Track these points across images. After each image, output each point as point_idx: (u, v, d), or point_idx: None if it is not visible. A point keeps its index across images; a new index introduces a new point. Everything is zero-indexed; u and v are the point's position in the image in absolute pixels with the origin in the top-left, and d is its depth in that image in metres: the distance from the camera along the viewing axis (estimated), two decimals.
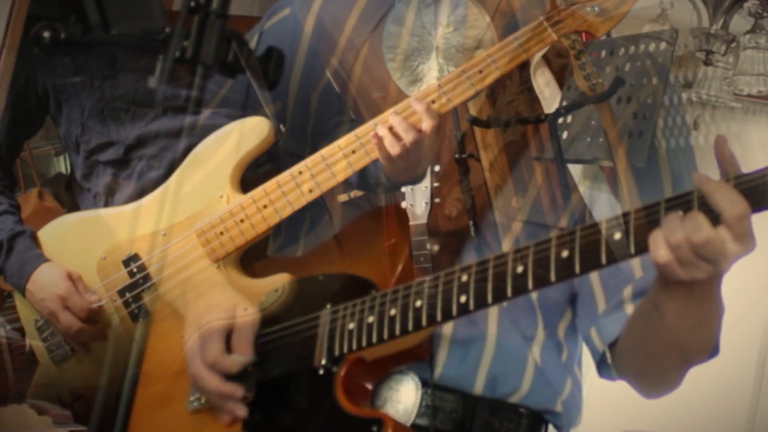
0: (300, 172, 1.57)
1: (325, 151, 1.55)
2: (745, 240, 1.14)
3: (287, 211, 1.59)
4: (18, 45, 1.45)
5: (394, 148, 1.46)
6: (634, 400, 1.55)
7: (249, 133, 1.66)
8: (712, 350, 1.40)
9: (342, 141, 1.53)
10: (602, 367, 1.55)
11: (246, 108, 1.75)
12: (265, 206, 1.60)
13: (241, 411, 1.54)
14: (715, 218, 1.14)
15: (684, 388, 1.47)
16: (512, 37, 1.42)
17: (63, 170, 3.01)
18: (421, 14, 1.59)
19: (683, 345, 1.36)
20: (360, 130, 1.52)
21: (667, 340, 1.35)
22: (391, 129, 1.47)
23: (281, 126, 1.66)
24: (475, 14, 1.54)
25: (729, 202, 1.13)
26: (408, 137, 1.45)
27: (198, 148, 1.72)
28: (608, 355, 1.53)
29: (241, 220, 1.62)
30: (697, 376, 1.44)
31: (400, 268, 1.52)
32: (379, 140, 1.48)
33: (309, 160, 1.56)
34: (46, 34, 1.26)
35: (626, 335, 1.47)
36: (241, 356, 1.53)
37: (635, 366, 1.48)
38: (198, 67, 1.18)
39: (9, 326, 2.31)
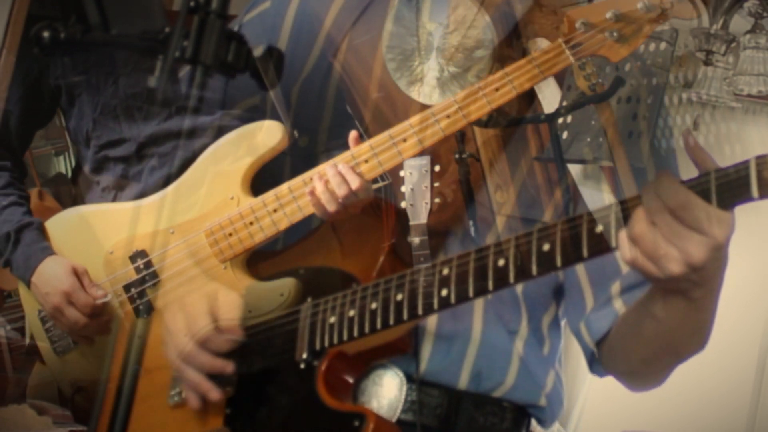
0: (312, 179, 1.57)
1: (338, 160, 1.55)
2: (702, 225, 1.11)
3: (297, 216, 1.59)
4: (18, 45, 1.45)
5: (330, 205, 1.52)
6: (634, 400, 1.55)
7: (263, 136, 1.66)
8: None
9: (355, 150, 1.53)
10: (593, 363, 1.56)
11: (257, 111, 1.75)
12: (275, 210, 1.60)
13: (216, 394, 1.53)
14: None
15: (684, 388, 1.47)
16: (530, 58, 1.43)
17: (63, 170, 3.01)
18: (421, 14, 1.59)
19: (677, 349, 1.36)
20: (374, 141, 1.52)
21: (661, 345, 1.35)
22: (327, 185, 1.52)
23: (295, 131, 1.67)
24: (476, 14, 1.54)
25: (659, 193, 1.12)
26: (341, 191, 1.51)
27: (211, 149, 1.73)
28: (595, 351, 1.54)
29: (251, 223, 1.63)
30: (697, 375, 1.44)
31: (399, 268, 1.52)
32: (315, 197, 1.53)
33: (321, 168, 1.56)
34: (46, 34, 1.26)
35: (618, 337, 1.47)
36: (231, 334, 1.53)
37: (626, 366, 1.48)
38: (206, 68, 1.18)
39: (9, 326, 2.32)
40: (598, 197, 1.56)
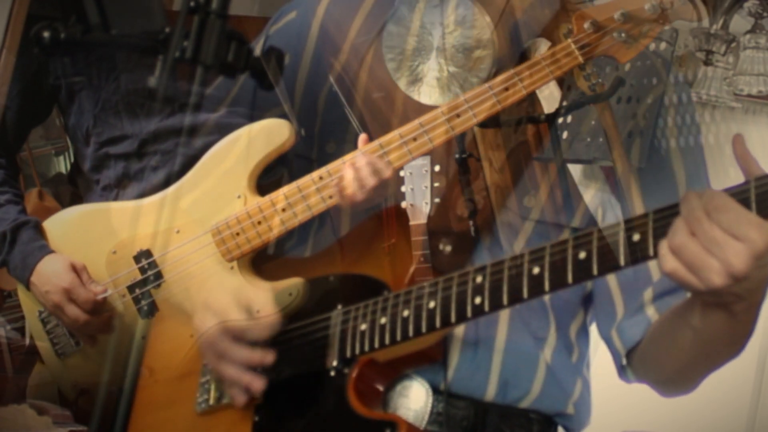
0: (321, 178, 1.56)
1: (348, 157, 1.55)
2: (740, 229, 1.10)
3: (306, 216, 1.58)
4: (18, 45, 1.45)
5: (360, 193, 1.50)
6: (634, 400, 1.55)
7: (270, 134, 1.65)
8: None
9: (365, 149, 1.53)
10: (622, 369, 1.55)
11: (263, 109, 1.75)
12: (284, 209, 1.59)
13: (259, 383, 1.50)
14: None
15: None
16: (540, 58, 1.43)
17: (63, 170, 3.01)
18: (421, 14, 1.59)
19: (714, 358, 1.36)
20: (384, 139, 1.52)
21: (697, 355, 1.35)
22: (357, 173, 1.50)
23: (302, 130, 1.66)
24: (476, 14, 1.54)
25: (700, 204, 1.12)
26: (370, 181, 1.49)
27: (216, 147, 1.71)
28: (624, 359, 1.53)
29: (259, 222, 1.61)
30: None
31: (399, 268, 1.52)
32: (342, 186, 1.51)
33: (331, 166, 1.56)
34: (46, 34, 1.26)
35: (652, 346, 1.46)
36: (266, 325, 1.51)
37: (660, 374, 1.48)
38: (207, 67, 1.18)
39: (9, 326, 2.31)
40: (598, 197, 1.56)
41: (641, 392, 1.54)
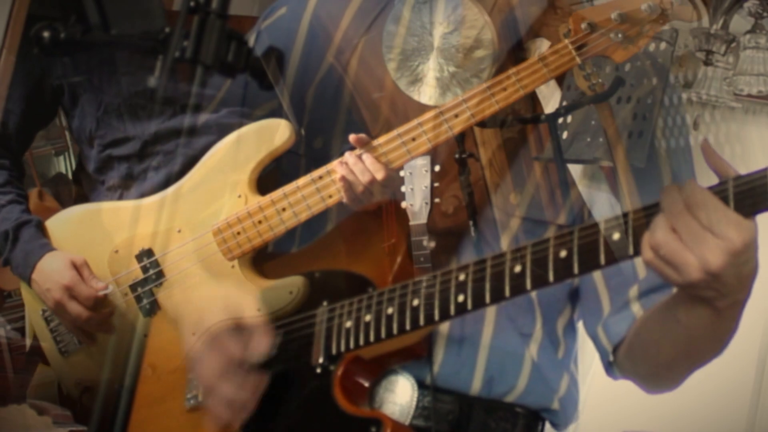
0: (320, 177, 1.57)
1: (347, 157, 1.55)
2: (718, 226, 1.11)
3: (305, 215, 1.59)
4: (18, 45, 1.45)
5: (358, 187, 1.51)
6: (634, 400, 1.55)
7: (270, 134, 1.65)
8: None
9: (364, 149, 1.53)
10: (610, 366, 1.55)
11: (255, 105, 1.76)
12: (284, 209, 1.60)
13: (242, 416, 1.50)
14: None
15: (684, 388, 1.47)
16: (537, 58, 1.44)
17: (63, 170, 3.01)
18: (421, 14, 1.59)
19: (699, 354, 1.36)
20: (382, 139, 1.53)
21: (683, 349, 1.35)
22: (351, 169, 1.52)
23: (301, 129, 1.67)
24: (475, 14, 1.54)
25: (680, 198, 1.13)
26: (364, 178, 1.51)
27: (217, 146, 1.72)
28: (611, 355, 1.53)
29: (260, 222, 1.62)
30: (697, 375, 1.44)
31: (399, 268, 1.53)
32: (344, 179, 1.52)
33: (330, 166, 1.56)
34: (46, 34, 1.26)
35: (639, 340, 1.47)
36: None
37: (647, 368, 1.48)
38: (207, 67, 1.18)
39: (9, 326, 2.32)
40: (598, 197, 1.56)
41: (641, 392, 1.54)
